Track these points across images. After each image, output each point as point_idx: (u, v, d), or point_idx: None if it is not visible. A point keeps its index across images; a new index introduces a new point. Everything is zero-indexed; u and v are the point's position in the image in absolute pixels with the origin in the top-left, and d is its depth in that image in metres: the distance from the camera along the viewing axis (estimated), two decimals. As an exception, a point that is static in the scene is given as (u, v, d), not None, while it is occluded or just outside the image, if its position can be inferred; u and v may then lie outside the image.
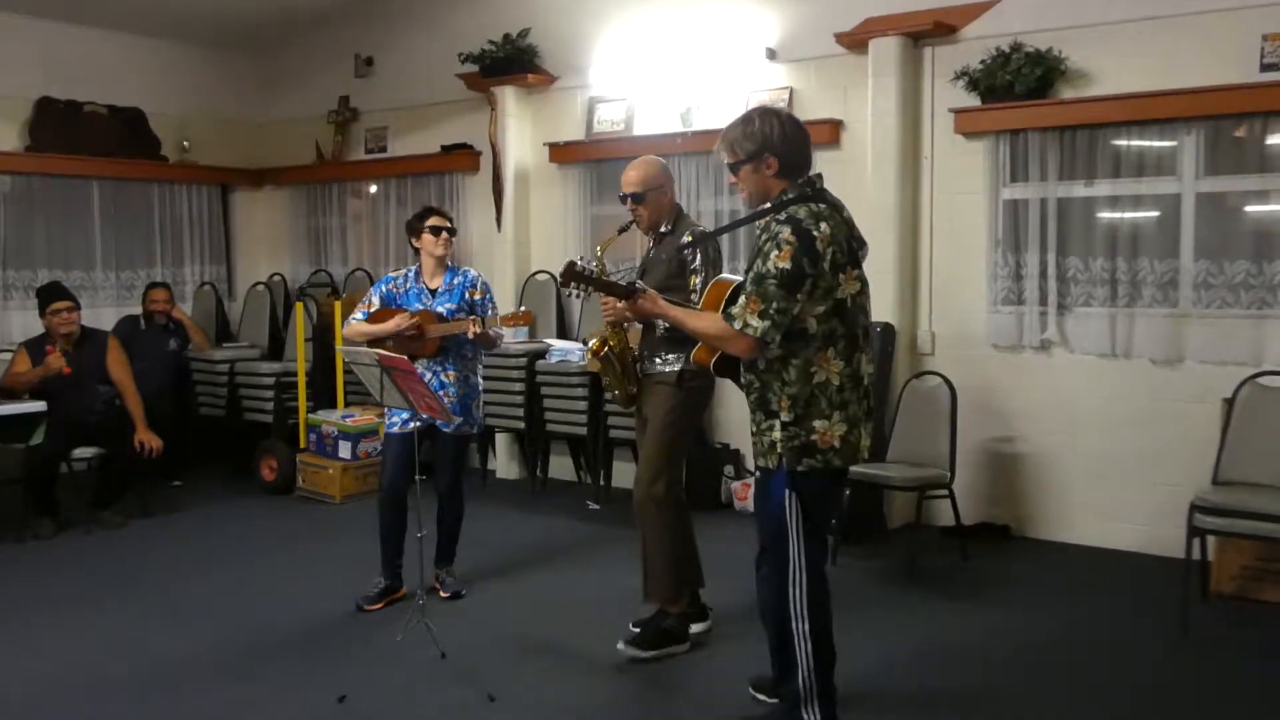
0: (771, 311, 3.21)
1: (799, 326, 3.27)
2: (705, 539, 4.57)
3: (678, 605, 4.39)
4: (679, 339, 4.24)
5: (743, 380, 3.47)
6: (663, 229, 4.41)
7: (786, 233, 3.23)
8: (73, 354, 6.55)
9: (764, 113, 3.45)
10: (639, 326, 4.35)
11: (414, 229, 5.15)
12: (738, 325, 3.25)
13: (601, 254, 4.43)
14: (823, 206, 3.35)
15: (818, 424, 3.31)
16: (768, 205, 3.41)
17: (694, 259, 4.26)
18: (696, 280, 4.24)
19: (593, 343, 4.45)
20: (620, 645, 4.31)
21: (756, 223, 3.49)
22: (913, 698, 4.00)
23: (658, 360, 4.34)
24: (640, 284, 3.69)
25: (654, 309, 3.56)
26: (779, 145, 3.37)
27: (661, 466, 4.32)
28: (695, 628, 4.51)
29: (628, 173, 4.41)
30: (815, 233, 3.24)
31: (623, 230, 4.55)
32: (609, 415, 6.84)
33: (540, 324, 7.68)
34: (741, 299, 3.27)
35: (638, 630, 4.40)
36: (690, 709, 4.00)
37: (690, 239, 4.28)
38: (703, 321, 3.44)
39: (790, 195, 3.37)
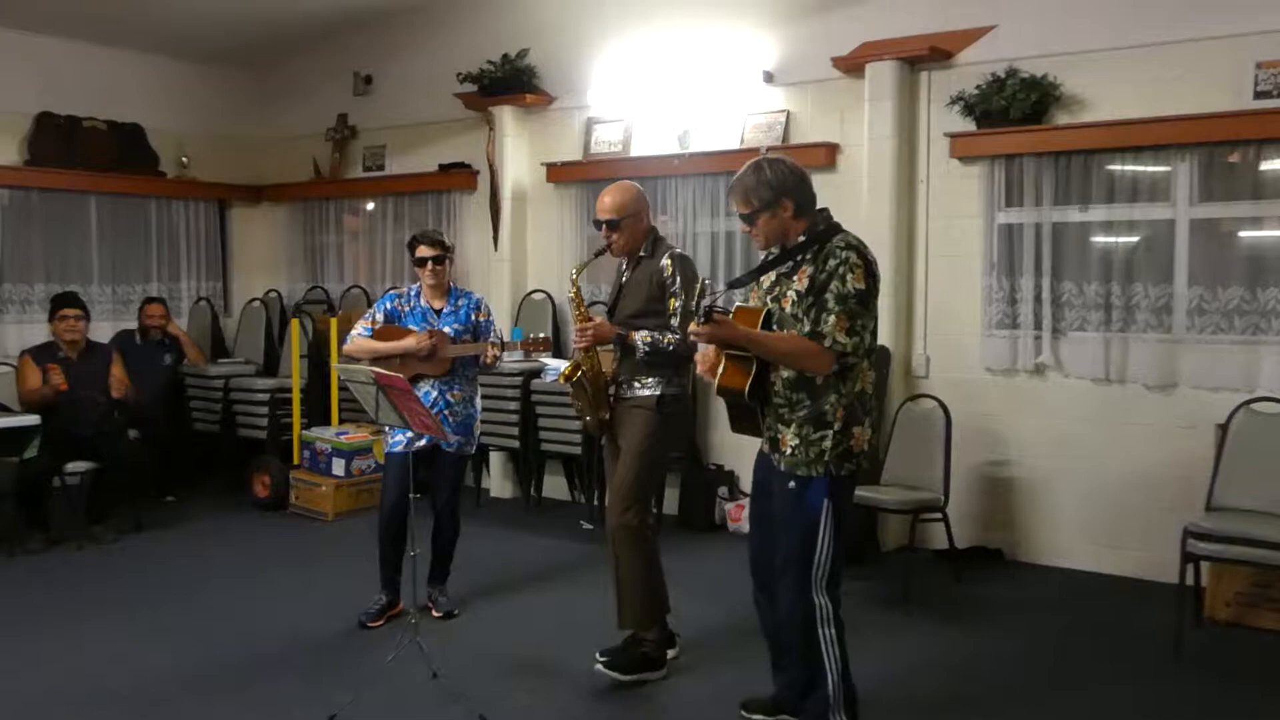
0: (858, 328, 3.45)
1: (866, 344, 3.52)
2: (700, 560, 4.58)
3: (652, 631, 4.36)
4: (659, 364, 4.26)
5: (783, 399, 3.56)
6: (641, 253, 4.38)
7: (854, 256, 3.47)
8: (75, 362, 6.57)
9: (770, 161, 3.64)
10: (609, 351, 4.33)
11: (410, 254, 5.19)
12: (827, 343, 3.43)
13: (577, 277, 4.44)
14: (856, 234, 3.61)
15: (856, 430, 3.55)
16: (802, 240, 3.57)
17: (673, 282, 4.25)
18: (676, 304, 4.23)
19: (564, 367, 4.42)
20: (597, 666, 4.27)
21: (793, 254, 3.61)
22: (902, 713, 4.00)
23: (636, 384, 4.31)
24: (722, 306, 3.65)
25: (733, 334, 3.52)
26: (793, 189, 3.57)
27: (636, 494, 4.28)
28: (667, 654, 4.48)
29: (603, 199, 4.37)
30: (869, 256, 3.53)
31: (599, 254, 4.54)
32: (604, 435, 6.83)
33: (535, 343, 7.68)
34: (831, 319, 3.42)
35: (611, 655, 4.36)
36: (682, 731, 3.99)
37: (669, 262, 4.26)
38: (785, 343, 3.51)
39: (822, 226, 3.58)
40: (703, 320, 3.42)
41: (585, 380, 4.34)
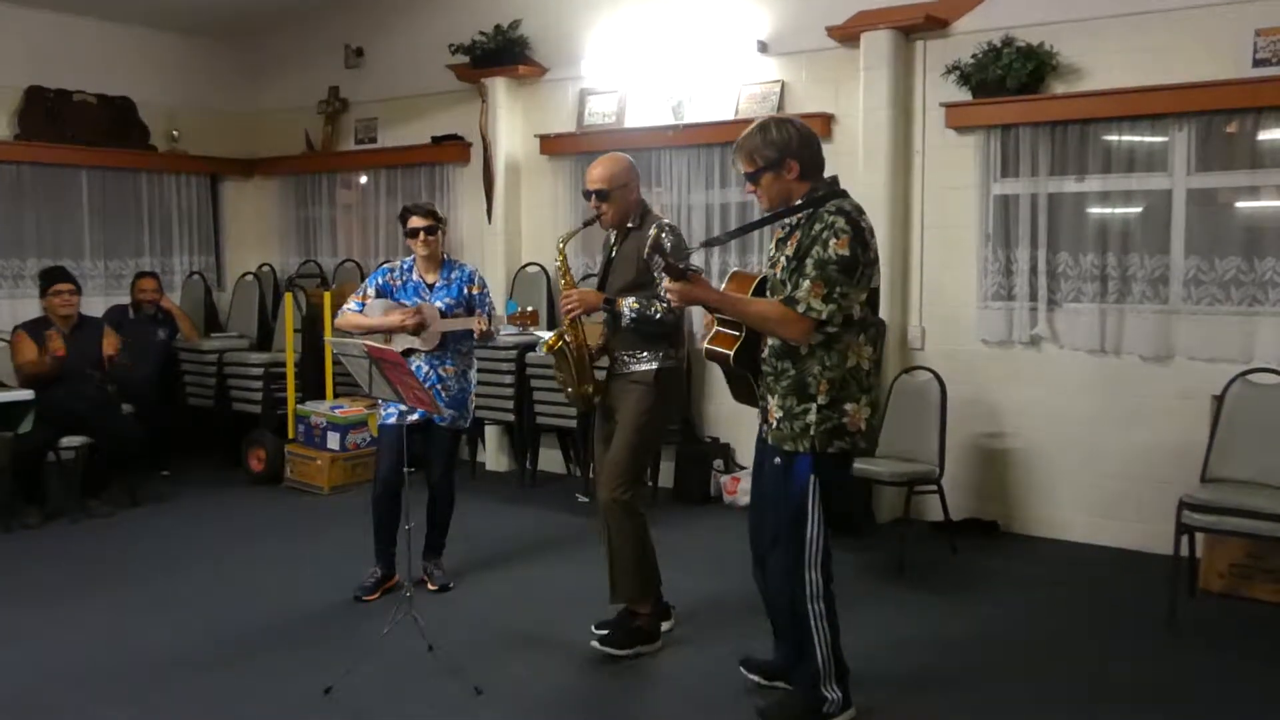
0: (835, 295, 3.34)
1: (847, 312, 3.40)
2: (695, 533, 4.58)
3: (646, 605, 4.38)
4: (652, 335, 4.25)
5: (770, 368, 3.53)
6: (629, 225, 4.36)
7: (842, 222, 3.37)
8: (68, 338, 6.54)
9: (777, 121, 3.55)
10: (596, 322, 4.32)
11: (402, 226, 5.16)
12: (801, 309, 3.35)
13: (564, 245, 4.43)
14: (856, 202, 3.50)
15: (849, 407, 3.46)
16: (799, 203, 3.50)
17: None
18: None
19: (549, 337, 4.40)
20: (594, 643, 4.29)
21: (787, 220, 3.55)
22: (897, 684, 4.01)
23: (631, 359, 4.29)
24: (696, 265, 3.63)
25: (704, 295, 3.51)
26: (798, 149, 3.49)
27: (630, 469, 4.29)
28: (662, 626, 4.50)
29: (593, 170, 4.36)
30: (863, 224, 3.42)
31: (587, 224, 4.53)
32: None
33: (530, 316, 7.66)
34: (806, 284, 3.35)
35: (605, 631, 4.39)
36: (678, 699, 4.01)
37: (656, 233, 4.23)
38: (758, 306, 3.47)
39: (822, 192, 3.49)
40: (675, 278, 3.40)
41: (568, 351, 4.32)
